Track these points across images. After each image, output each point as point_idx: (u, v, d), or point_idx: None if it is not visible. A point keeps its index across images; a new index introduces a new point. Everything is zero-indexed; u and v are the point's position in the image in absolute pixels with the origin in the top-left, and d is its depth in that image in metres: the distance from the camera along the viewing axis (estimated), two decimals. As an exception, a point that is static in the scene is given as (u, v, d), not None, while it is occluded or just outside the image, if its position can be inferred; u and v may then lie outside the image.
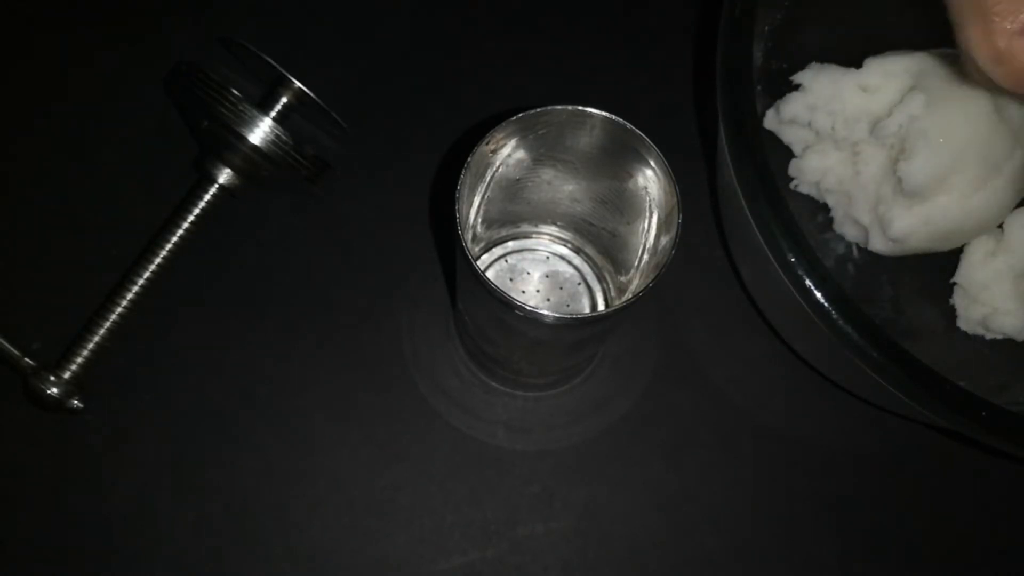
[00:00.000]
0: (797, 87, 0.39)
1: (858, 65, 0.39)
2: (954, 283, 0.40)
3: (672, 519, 0.41)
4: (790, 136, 0.40)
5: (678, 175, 0.28)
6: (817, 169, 0.40)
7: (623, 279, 0.36)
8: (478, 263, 0.30)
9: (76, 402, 0.38)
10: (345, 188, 0.43)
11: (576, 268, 0.39)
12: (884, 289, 0.42)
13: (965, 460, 0.42)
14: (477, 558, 0.40)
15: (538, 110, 0.28)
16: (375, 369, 0.41)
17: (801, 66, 0.40)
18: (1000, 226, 0.39)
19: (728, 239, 0.42)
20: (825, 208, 0.41)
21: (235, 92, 0.37)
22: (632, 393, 0.42)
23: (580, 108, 0.28)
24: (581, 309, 0.39)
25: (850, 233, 0.41)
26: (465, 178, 0.28)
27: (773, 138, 0.41)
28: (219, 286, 0.42)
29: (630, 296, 0.28)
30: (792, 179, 0.41)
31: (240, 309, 0.42)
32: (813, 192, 0.41)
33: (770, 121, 0.40)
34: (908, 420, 0.39)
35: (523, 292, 0.39)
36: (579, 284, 0.39)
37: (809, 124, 0.39)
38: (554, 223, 0.38)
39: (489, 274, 0.38)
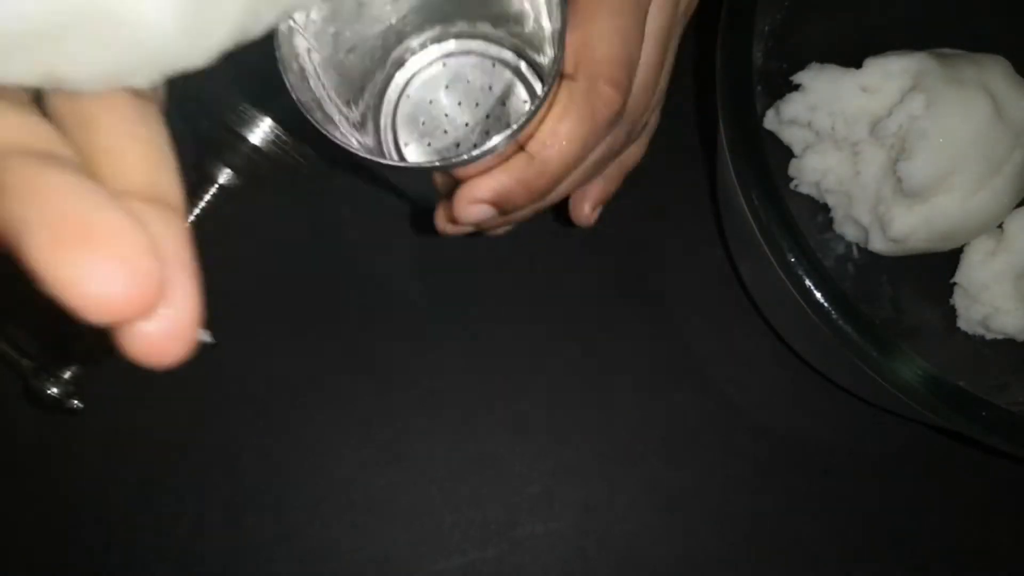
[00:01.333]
0: (797, 87, 0.39)
1: (858, 65, 0.39)
2: (954, 283, 0.40)
3: (672, 519, 0.41)
4: (790, 136, 0.40)
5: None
6: (817, 169, 0.40)
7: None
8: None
9: (76, 402, 0.38)
10: (345, 188, 0.43)
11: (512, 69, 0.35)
12: (884, 289, 0.42)
13: (965, 460, 0.42)
14: (477, 558, 0.40)
15: None
16: (375, 369, 0.41)
17: (801, 66, 0.40)
18: (1000, 226, 0.39)
19: (728, 239, 0.42)
20: (825, 208, 0.41)
21: (235, 92, 0.37)
22: (632, 393, 0.42)
23: None
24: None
25: (850, 233, 0.41)
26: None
27: (773, 138, 0.41)
28: (219, 286, 0.42)
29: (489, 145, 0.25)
30: (792, 179, 0.41)
31: (240, 309, 0.42)
32: (813, 192, 0.41)
33: (770, 121, 0.40)
34: (908, 420, 0.39)
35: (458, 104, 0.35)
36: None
37: (809, 124, 0.39)
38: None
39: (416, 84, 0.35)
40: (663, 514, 0.41)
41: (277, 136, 0.37)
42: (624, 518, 0.41)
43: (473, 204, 0.26)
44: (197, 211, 0.40)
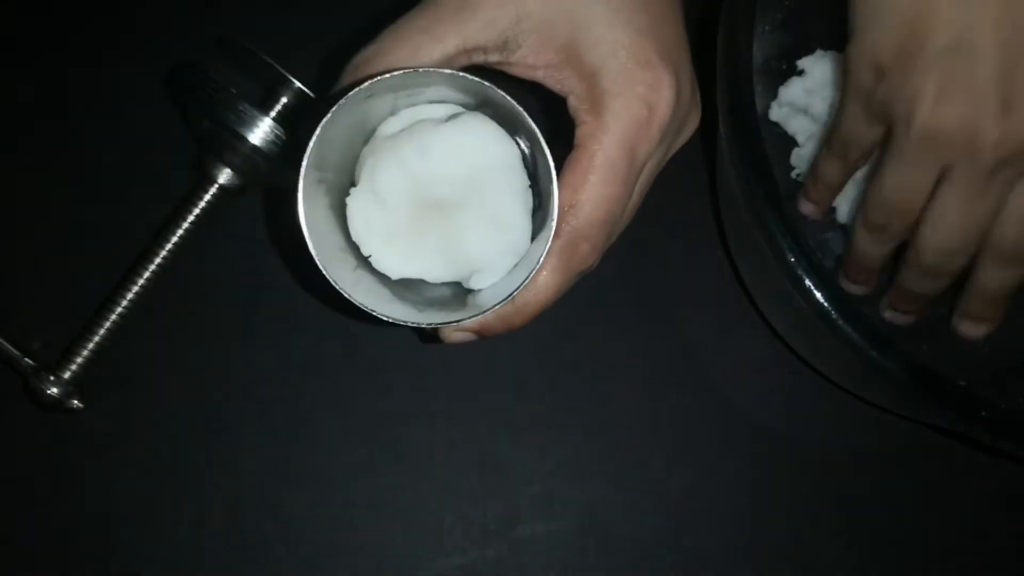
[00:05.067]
0: (801, 73, 0.39)
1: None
2: None
3: (672, 519, 0.41)
4: (795, 126, 0.40)
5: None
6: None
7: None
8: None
9: (76, 402, 0.38)
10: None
11: None
12: (884, 289, 0.42)
13: (965, 460, 0.42)
14: (477, 558, 0.40)
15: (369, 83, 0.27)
16: (375, 369, 0.41)
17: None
18: None
19: (728, 239, 0.42)
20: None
21: (235, 92, 0.37)
22: (632, 393, 0.42)
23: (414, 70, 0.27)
24: None
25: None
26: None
27: (775, 131, 0.41)
28: (219, 286, 0.42)
29: None
30: (794, 168, 0.40)
31: (240, 309, 0.42)
32: None
33: (774, 112, 0.40)
34: (908, 420, 0.40)
35: None
36: None
37: (806, 111, 0.39)
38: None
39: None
40: (663, 514, 0.41)
41: (277, 136, 0.37)
42: (624, 518, 0.41)
43: (458, 331, 0.31)
44: (197, 211, 0.40)
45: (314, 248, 0.28)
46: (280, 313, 0.42)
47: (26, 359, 0.38)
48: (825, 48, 0.39)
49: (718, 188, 0.41)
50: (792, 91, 0.39)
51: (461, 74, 0.27)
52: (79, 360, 0.39)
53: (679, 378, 0.42)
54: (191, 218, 0.40)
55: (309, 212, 0.28)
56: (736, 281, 0.43)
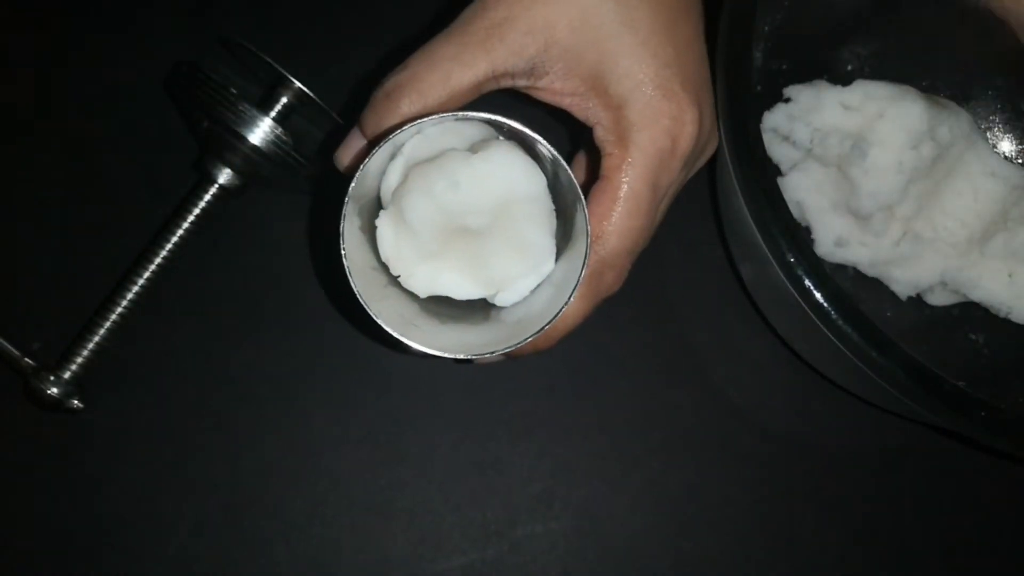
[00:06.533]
0: (787, 100, 0.39)
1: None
2: None
3: (672, 519, 0.41)
4: (777, 154, 0.40)
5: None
6: (800, 188, 0.39)
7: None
8: None
9: (76, 402, 0.38)
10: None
11: None
12: (883, 289, 0.42)
13: (965, 460, 0.42)
14: (477, 558, 0.40)
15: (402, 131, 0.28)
16: (375, 369, 0.41)
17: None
18: None
19: (728, 239, 0.42)
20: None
21: (235, 92, 0.37)
22: (632, 393, 0.42)
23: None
24: None
25: (838, 256, 0.40)
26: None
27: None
28: (220, 286, 0.42)
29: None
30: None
31: (240, 309, 0.42)
32: (795, 212, 0.40)
33: (766, 125, 0.40)
34: (908, 420, 0.40)
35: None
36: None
37: (789, 136, 0.39)
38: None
39: None
40: (663, 514, 0.41)
41: (277, 136, 0.37)
42: (624, 518, 0.41)
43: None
44: (197, 211, 0.40)
45: (358, 289, 0.29)
46: (280, 313, 0.42)
47: (26, 359, 0.38)
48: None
49: (718, 188, 0.41)
50: (776, 117, 0.39)
51: (497, 118, 0.28)
52: (79, 360, 0.39)
53: (679, 378, 0.42)
54: (191, 218, 0.40)
55: (349, 244, 0.29)
56: (736, 281, 0.43)
